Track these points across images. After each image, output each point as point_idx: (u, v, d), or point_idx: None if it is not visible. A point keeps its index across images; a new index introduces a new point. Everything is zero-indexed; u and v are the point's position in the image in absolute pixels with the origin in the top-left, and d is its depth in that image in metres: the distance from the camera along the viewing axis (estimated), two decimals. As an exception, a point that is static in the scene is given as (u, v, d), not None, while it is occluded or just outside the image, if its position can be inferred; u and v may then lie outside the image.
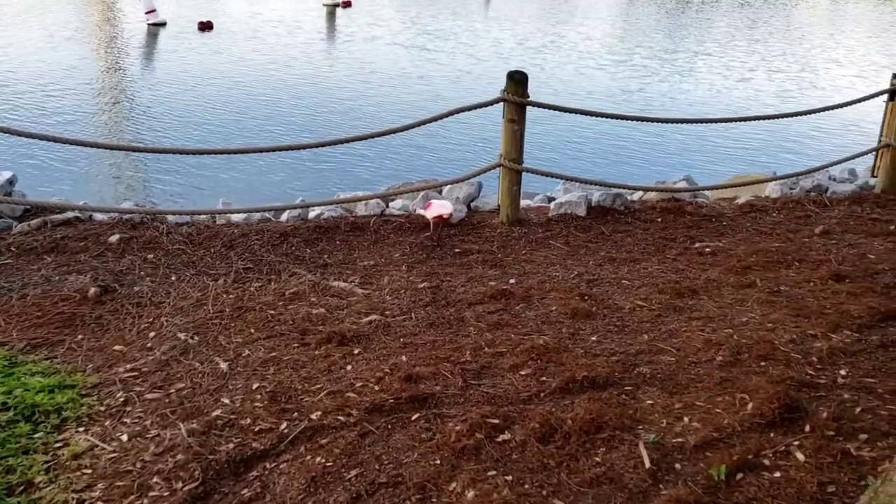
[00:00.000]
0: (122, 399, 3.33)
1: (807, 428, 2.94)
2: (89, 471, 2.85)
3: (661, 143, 11.18)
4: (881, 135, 6.77)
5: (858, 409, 3.09)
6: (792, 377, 3.29)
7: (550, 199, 6.46)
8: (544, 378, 3.43)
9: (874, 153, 6.92)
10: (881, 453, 2.77)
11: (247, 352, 3.74)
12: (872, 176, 7.03)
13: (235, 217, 5.73)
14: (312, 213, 5.81)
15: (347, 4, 26.76)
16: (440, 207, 5.36)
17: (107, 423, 3.16)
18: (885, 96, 6.64)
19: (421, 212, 5.66)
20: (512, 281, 4.68)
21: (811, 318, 4.00)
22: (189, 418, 3.17)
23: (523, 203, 6.20)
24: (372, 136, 5.76)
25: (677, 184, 6.90)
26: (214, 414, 3.20)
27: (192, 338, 3.89)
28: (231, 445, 2.97)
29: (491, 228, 5.66)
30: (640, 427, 2.99)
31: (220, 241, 5.21)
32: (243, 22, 22.28)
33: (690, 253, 5.21)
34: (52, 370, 3.54)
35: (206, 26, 20.59)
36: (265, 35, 20.18)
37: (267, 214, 5.82)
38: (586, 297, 4.40)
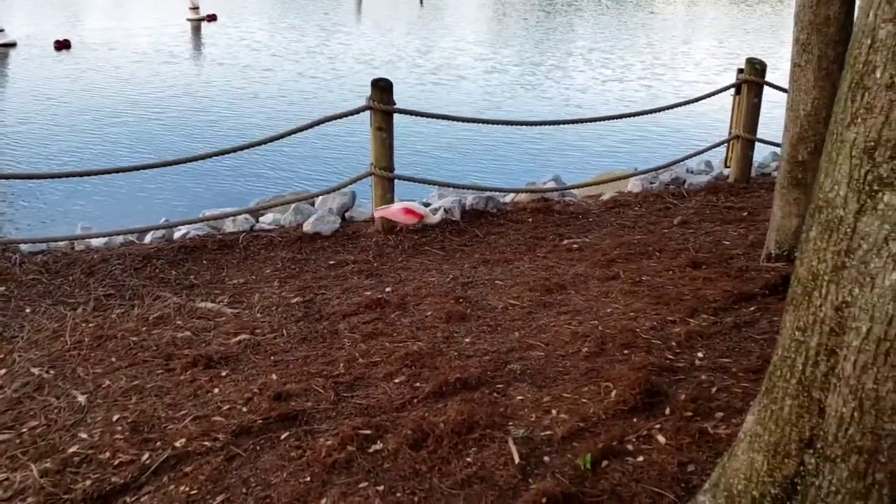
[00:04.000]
0: (-34, 445, 3.09)
1: (667, 411, 3.06)
2: (-73, 526, 2.63)
3: (530, 146, 11.47)
4: (731, 127, 7.17)
5: (714, 389, 3.24)
6: (652, 363, 3.41)
7: (426, 205, 6.49)
8: (418, 384, 3.43)
9: (726, 144, 7.33)
10: (735, 430, 2.91)
11: (107, 382, 3.56)
12: (726, 166, 7.44)
13: (95, 242, 5.46)
14: (178, 234, 5.61)
15: (213, 18, 26.10)
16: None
17: (-51, 472, 2.93)
18: (733, 90, 7.04)
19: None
20: (388, 289, 4.66)
21: (670, 305, 4.17)
22: (42, 458, 2.98)
23: (398, 210, 6.20)
24: (237, 149, 5.61)
25: (546, 184, 7.08)
26: (71, 450, 3.02)
27: (47, 372, 3.67)
28: (88, 482, 2.81)
29: (366, 238, 5.63)
30: (511, 423, 3.03)
31: (79, 268, 4.96)
32: (103, 39, 21.34)
33: (559, 250, 5.35)
34: None
35: (62, 45, 19.60)
36: (126, 52, 19.42)
37: (130, 237, 5.57)
38: (461, 300, 4.43)
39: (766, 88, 6.94)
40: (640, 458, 2.77)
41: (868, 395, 1.87)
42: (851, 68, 1.87)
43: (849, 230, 1.86)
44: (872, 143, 1.80)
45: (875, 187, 1.80)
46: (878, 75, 1.78)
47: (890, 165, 1.77)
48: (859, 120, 1.83)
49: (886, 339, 1.82)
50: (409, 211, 5.65)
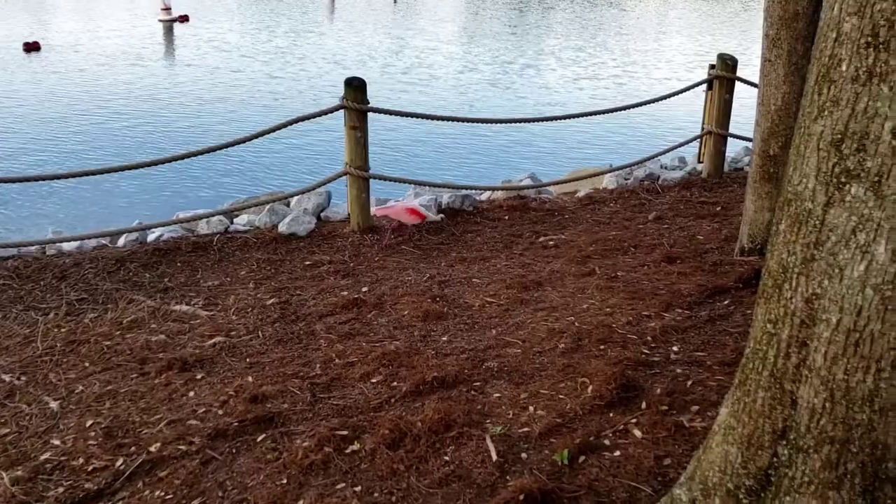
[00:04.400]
0: (-65, 454, 3.04)
1: (643, 405, 3.08)
2: None
3: (505, 145, 11.49)
4: (703, 123, 7.23)
5: (690, 383, 3.26)
6: (628, 358, 3.43)
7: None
8: (395, 383, 3.42)
9: (699, 140, 7.38)
10: (710, 422, 2.93)
11: (80, 387, 3.51)
12: (699, 162, 7.50)
13: (67, 246, 5.38)
14: (151, 236, 5.55)
15: (185, 19, 25.88)
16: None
17: (-83, 482, 2.87)
18: (705, 86, 7.09)
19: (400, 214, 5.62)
20: (364, 289, 4.65)
21: (646, 300, 4.20)
22: (14, 466, 2.93)
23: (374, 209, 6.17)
24: (210, 150, 5.55)
25: (522, 182, 7.10)
26: (43, 457, 2.98)
27: (18, 378, 3.61)
28: (61, 489, 2.77)
29: (342, 238, 5.60)
30: (488, 421, 3.03)
31: (51, 272, 4.88)
32: (74, 41, 21.08)
33: (536, 247, 5.36)
34: None
35: (32, 47, 19.34)
36: (97, 54, 19.18)
37: (102, 241, 5.50)
38: (438, 299, 4.42)
39: (738, 84, 7.00)
40: (617, 453, 2.78)
41: (839, 385, 1.89)
42: (818, 62, 1.89)
43: (817, 222, 1.88)
44: (839, 136, 1.82)
45: (842, 179, 1.82)
46: (843, 68, 1.80)
47: (857, 158, 1.79)
48: (826, 113, 1.85)
49: (856, 329, 1.84)
50: (413, 211, 5.57)
